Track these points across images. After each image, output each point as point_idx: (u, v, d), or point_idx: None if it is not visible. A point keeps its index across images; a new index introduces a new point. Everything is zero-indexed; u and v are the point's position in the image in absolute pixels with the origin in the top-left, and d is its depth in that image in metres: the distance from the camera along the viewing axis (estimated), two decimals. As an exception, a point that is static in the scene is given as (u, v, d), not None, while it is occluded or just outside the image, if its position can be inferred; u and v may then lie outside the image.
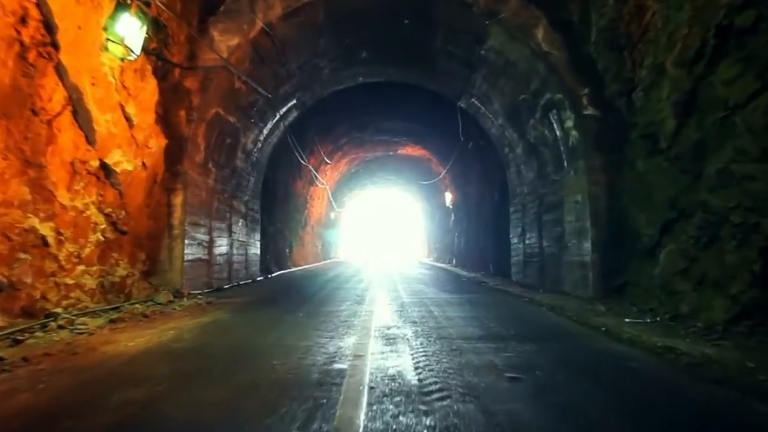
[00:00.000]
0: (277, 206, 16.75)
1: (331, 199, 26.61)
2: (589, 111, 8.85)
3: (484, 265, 16.96)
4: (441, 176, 22.72)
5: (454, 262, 23.08)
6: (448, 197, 22.40)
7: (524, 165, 12.03)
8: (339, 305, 8.12)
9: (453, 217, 22.86)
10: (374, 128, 19.59)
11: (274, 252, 17.55)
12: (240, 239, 12.22)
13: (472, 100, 12.95)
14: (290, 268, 19.45)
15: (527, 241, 12.04)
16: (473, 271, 17.81)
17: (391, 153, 23.62)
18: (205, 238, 9.94)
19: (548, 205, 10.70)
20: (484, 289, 11.54)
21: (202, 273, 9.76)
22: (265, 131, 12.78)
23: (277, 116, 12.86)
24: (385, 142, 21.69)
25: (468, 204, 19.67)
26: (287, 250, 19.31)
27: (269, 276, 14.99)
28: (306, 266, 21.64)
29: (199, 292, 9.24)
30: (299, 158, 17.03)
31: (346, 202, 33.51)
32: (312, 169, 19.82)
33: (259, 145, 12.82)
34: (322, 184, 23.08)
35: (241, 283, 11.96)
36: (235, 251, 11.76)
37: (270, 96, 11.48)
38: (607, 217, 8.66)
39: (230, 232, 11.49)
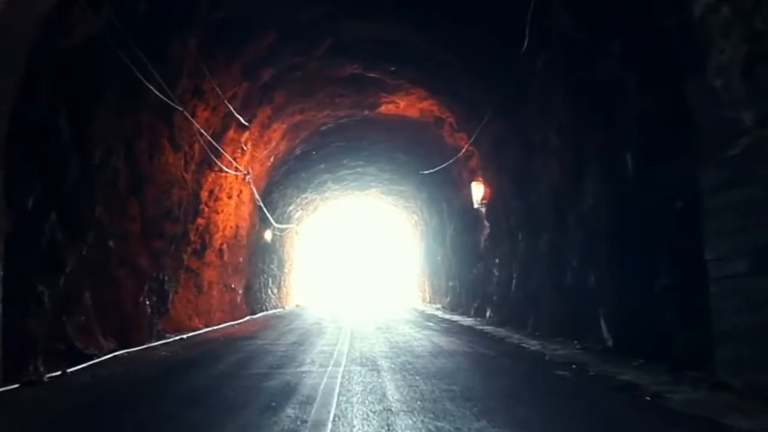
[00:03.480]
0: (96, 196, 9.36)
1: (261, 205, 19.61)
2: None
3: (579, 327, 10.24)
4: (463, 152, 16.42)
5: (489, 314, 16.52)
6: (477, 192, 16.05)
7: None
8: None
9: (488, 231, 16.19)
10: (332, 44, 12.59)
11: (109, 306, 10.22)
12: None
13: None
14: (166, 336, 12.52)
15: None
16: (548, 339, 11.07)
17: (366, 112, 17.37)
18: None
19: None
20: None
21: None
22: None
23: None
24: (355, 82, 15.18)
25: (527, 196, 12.96)
26: (148, 302, 11.89)
27: (38, 382, 7.37)
28: (202, 331, 14.64)
29: None
30: (157, 92, 9.71)
31: (293, 215, 28.01)
32: (200, 129, 12.55)
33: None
34: (238, 170, 15.93)
35: None
36: None
37: None
38: None
39: None
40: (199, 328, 14.85)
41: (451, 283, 22.43)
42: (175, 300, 13.95)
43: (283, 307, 27.17)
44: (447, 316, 19.29)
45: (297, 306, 29.68)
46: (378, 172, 24.42)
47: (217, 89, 12.45)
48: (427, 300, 28.50)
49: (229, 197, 16.30)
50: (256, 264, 22.02)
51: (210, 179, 14.60)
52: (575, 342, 10.19)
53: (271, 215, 22.40)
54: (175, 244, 13.10)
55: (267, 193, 20.95)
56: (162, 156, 11.78)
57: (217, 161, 14.35)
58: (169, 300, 13.36)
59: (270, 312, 23.63)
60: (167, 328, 13.58)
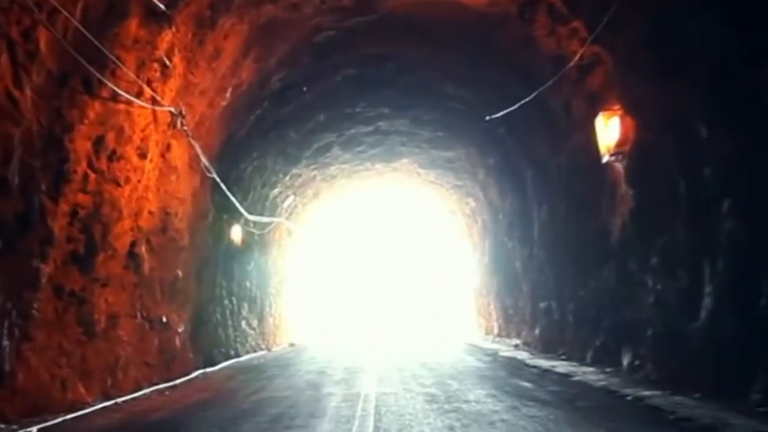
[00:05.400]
0: None
1: (215, 177, 16.04)
2: None
3: None
4: (577, 59, 12.92)
5: (630, 362, 12.85)
6: (609, 132, 12.37)
7: None
8: None
9: (632, 204, 12.96)
10: None
11: None
12: None
13: None
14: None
15: None
16: None
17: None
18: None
19: None
20: None
21: None
22: None
23: None
24: None
25: (745, 124, 9.07)
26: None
27: None
28: (93, 408, 10.82)
29: None
30: None
31: (279, 203, 25.69)
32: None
33: None
34: (157, 104, 11.95)
35: None
36: None
37: None
38: None
39: None
40: (87, 405, 10.98)
41: (542, 305, 19.12)
42: (26, 354, 9.88)
43: (267, 349, 24.24)
44: (542, 363, 15.26)
45: (291, 345, 27.22)
46: (412, 126, 20.98)
47: None
48: (495, 331, 25.71)
49: (143, 156, 11.84)
50: (214, 280, 18.33)
51: (92, 115, 10.14)
52: None
53: (241, 202, 18.76)
54: (6, 241, 8.58)
55: (229, 161, 17.05)
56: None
57: (103, 79, 9.73)
58: (4, 356, 9.19)
59: (243, 359, 20.23)
60: (8, 411, 9.64)
